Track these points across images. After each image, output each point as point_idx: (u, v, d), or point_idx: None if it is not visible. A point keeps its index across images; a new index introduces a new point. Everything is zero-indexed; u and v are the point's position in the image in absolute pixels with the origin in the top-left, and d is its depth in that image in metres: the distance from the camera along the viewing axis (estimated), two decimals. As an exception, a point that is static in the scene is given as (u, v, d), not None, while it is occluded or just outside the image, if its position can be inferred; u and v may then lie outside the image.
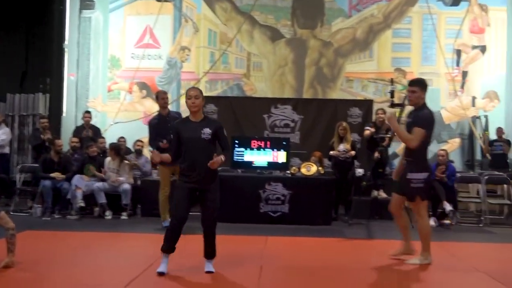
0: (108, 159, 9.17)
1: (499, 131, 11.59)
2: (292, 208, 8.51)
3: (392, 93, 6.43)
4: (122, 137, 10.54)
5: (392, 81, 6.31)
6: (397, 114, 5.90)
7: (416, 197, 5.55)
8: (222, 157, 4.97)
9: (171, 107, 8.07)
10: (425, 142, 5.55)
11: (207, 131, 4.99)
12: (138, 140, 10.17)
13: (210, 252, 5.15)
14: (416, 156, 5.49)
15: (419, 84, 5.59)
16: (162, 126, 7.59)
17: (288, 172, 8.84)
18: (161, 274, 4.99)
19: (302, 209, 8.47)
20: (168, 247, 5.05)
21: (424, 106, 5.60)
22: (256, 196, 8.53)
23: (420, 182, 5.48)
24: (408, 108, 5.87)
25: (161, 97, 7.81)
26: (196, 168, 4.98)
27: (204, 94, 12.20)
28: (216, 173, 5.09)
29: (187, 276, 5.06)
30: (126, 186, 8.93)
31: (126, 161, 9.20)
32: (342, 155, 8.91)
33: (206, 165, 4.89)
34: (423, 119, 5.48)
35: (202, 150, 4.96)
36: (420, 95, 5.53)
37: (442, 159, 9.00)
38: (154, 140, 7.63)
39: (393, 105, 6.18)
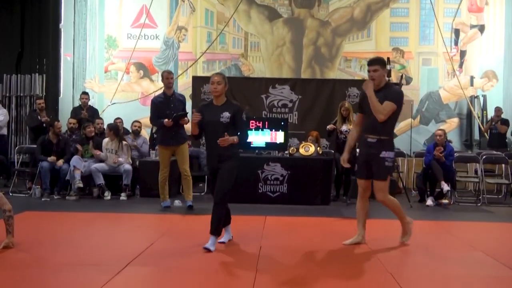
0: (106, 139, 9.08)
1: (497, 110, 11.58)
2: (291, 188, 8.53)
3: (389, 73, 6.34)
4: (119, 118, 10.40)
5: (388, 60, 6.26)
6: None
7: (388, 176, 5.47)
8: (235, 138, 5.16)
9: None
10: (396, 119, 5.46)
11: (226, 114, 5.21)
12: (136, 121, 10.14)
13: (212, 229, 5.20)
14: (389, 134, 5.40)
15: (379, 62, 5.42)
16: (165, 106, 7.60)
17: (287, 152, 8.83)
18: (221, 243, 5.45)
19: (301, 189, 8.49)
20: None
21: (389, 84, 5.50)
22: (255, 176, 8.55)
23: (392, 161, 5.43)
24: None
25: (165, 77, 7.76)
26: (212, 150, 5.27)
27: (202, 74, 12.10)
28: (230, 154, 5.24)
29: (188, 254, 5.09)
30: (127, 166, 8.91)
31: (125, 142, 9.13)
32: (344, 136, 8.77)
33: (221, 146, 5.12)
34: (395, 94, 5.37)
35: (219, 133, 5.14)
36: (382, 73, 5.39)
37: (440, 139, 8.98)
38: (156, 118, 7.62)
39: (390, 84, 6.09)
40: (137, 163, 9.27)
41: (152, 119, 7.75)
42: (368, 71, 5.44)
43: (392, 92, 5.36)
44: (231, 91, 10.44)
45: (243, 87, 10.93)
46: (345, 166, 5.70)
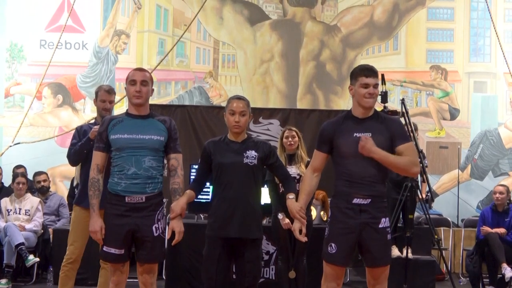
0: (6, 199, 9.17)
1: None
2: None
3: (384, 97, 6.46)
4: (21, 166, 10.38)
5: (383, 79, 6.10)
6: None
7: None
8: (290, 196, 5.26)
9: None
10: None
11: (252, 154, 5.29)
12: (40, 173, 9.91)
13: None
14: (384, 192, 5.08)
15: (377, 74, 5.06)
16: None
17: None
18: None
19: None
20: None
21: (378, 111, 5.16)
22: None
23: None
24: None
25: (102, 97, 6.59)
26: (231, 206, 5.23)
27: (152, 101, 11.77)
28: (261, 218, 5.43)
29: None
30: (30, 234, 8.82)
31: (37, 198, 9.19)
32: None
33: (247, 202, 5.24)
34: (403, 127, 5.18)
35: (242, 180, 5.26)
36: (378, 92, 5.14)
37: (501, 198, 8.97)
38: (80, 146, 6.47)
39: (385, 113, 5.94)
40: (49, 231, 9.17)
41: (69, 151, 6.56)
42: (366, 85, 4.87)
43: (400, 125, 5.11)
44: (192, 126, 10.50)
45: (211, 121, 10.60)
46: (302, 239, 5.14)
